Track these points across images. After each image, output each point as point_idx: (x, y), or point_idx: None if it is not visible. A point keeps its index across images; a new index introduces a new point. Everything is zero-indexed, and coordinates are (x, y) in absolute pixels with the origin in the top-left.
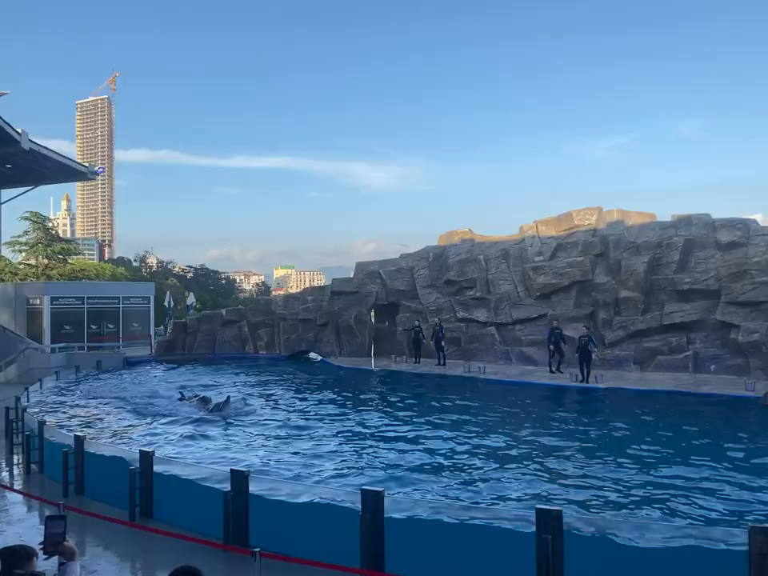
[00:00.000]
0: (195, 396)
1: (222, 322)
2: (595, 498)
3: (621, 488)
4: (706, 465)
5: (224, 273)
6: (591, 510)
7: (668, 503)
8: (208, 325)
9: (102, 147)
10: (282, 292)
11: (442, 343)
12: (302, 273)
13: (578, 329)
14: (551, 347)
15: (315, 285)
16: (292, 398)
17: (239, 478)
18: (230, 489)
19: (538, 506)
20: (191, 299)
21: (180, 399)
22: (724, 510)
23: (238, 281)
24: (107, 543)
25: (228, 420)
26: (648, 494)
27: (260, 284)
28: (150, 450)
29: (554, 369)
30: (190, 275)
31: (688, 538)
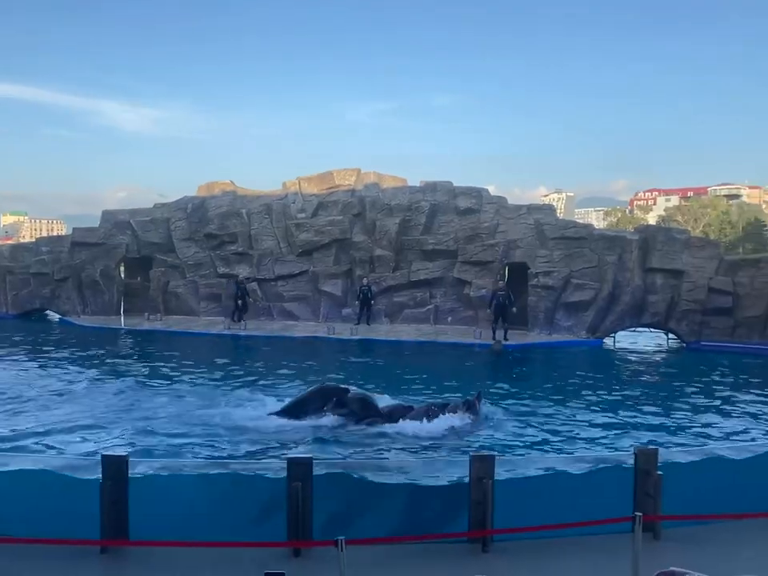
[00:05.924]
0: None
1: None
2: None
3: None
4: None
5: None
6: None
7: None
8: None
9: None
10: (11, 242)
11: (240, 302)
12: (38, 221)
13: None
14: (489, 310)
15: (53, 234)
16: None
17: None
18: None
19: (290, 456)
20: None
21: (284, 413)
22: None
23: None
24: None
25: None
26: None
27: None
28: None
29: (496, 336)
30: None
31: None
